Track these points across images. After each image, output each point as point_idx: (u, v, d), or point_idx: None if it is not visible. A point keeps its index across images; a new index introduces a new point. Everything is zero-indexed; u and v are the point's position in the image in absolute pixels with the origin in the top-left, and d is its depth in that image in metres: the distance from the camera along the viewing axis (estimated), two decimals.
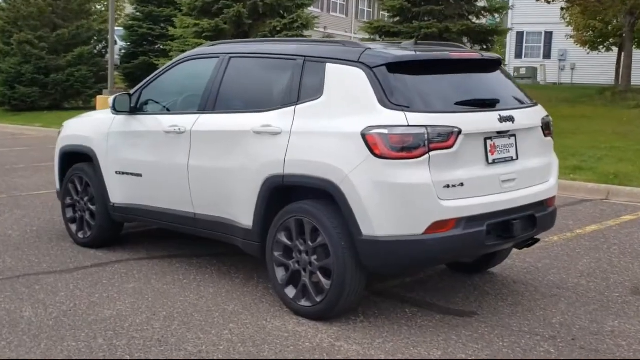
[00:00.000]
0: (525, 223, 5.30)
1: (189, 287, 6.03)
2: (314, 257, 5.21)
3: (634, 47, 27.11)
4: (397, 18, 22.08)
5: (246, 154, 5.57)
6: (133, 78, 28.02)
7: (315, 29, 19.45)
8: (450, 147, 4.86)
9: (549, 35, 41.04)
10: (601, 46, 32.87)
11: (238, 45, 6.25)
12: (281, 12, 19.49)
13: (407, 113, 4.84)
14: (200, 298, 5.76)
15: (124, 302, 5.65)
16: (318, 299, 5.18)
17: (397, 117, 4.83)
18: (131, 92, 6.72)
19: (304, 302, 5.28)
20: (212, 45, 6.60)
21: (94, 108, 23.28)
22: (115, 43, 28.12)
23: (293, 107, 5.39)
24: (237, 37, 18.28)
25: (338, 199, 4.97)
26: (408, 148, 4.80)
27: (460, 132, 4.88)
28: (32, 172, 12.42)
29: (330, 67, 5.28)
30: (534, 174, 5.46)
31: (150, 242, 7.44)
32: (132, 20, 28.28)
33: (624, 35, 25.44)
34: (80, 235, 7.28)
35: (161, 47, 27.51)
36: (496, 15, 23.15)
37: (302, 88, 5.41)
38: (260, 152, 5.48)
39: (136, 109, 6.67)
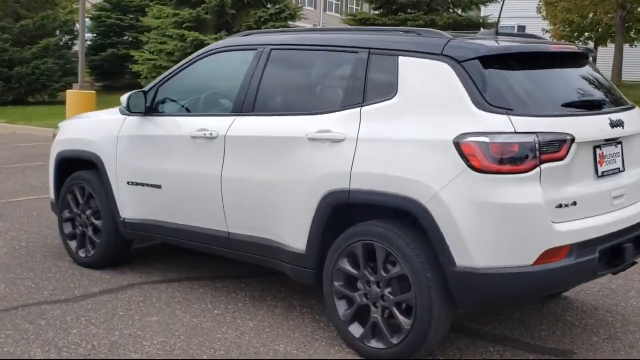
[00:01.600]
0: (636, 246, 4.48)
1: (223, 320, 5.11)
2: (388, 290, 4.33)
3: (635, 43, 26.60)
4: (382, 10, 21.22)
5: (298, 165, 4.67)
6: (101, 71, 26.85)
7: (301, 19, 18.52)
8: (563, 158, 4.02)
9: (521, 30, 40.55)
10: (577, 41, 32.46)
11: (280, 36, 5.32)
12: (264, 2, 18.51)
13: (511, 117, 3.97)
14: (242, 335, 4.86)
15: (151, 341, 4.73)
16: (394, 341, 4.31)
17: (500, 122, 3.97)
18: (146, 89, 5.73)
19: (374, 344, 4.42)
20: (246, 35, 5.66)
21: (61, 103, 22.11)
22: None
23: (358, 109, 4.49)
24: (220, 27, 17.25)
25: (424, 221, 4.09)
26: (515, 160, 3.94)
27: (573, 140, 4.04)
28: (6, 175, 11.32)
29: (405, 62, 4.40)
30: (638, 187, 4.64)
31: (160, 261, 6.50)
32: (99, 10, 27.00)
33: (615, 29, 24.92)
34: (81, 254, 6.29)
35: (130, 38, 26.36)
36: (482, 7, 22.34)
37: (369, 86, 4.52)
38: (317, 163, 4.58)
39: (151, 110, 5.69)
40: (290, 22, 17.86)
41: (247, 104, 5.10)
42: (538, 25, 34.22)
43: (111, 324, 5.02)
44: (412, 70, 4.37)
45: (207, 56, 5.57)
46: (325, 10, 46.10)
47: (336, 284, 4.57)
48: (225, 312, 5.27)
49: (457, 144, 4.01)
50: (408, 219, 4.26)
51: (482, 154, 3.94)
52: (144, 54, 18.94)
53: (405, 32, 4.79)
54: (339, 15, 46.51)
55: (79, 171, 6.32)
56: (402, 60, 4.42)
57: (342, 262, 4.52)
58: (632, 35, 28.32)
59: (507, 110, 4.02)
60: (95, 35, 27.04)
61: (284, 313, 5.27)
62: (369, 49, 4.61)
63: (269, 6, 18.17)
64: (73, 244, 6.40)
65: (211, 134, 5.16)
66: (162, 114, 5.71)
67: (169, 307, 5.36)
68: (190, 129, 5.34)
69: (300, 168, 4.67)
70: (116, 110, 6.14)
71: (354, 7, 49.72)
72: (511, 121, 3.97)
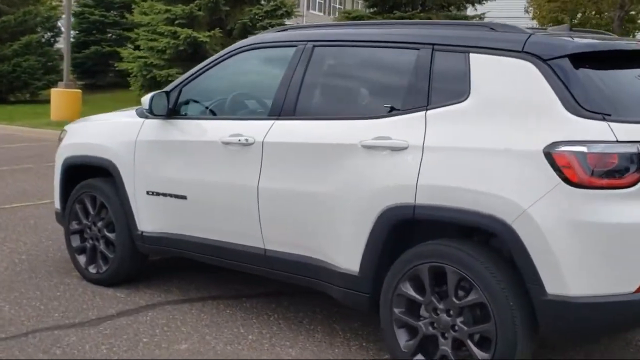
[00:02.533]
0: None
1: (260, 348, 4.58)
2: (460, 320, 3.82)
3: None
4: (376, 8, 20.71)
5: (350, 176, 4.15)
6: (83, 69, 26.12)
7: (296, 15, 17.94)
8: None
9: None
10: None
11: (323, 31, 4.78)
12: None
13: (610, 123, 3.46)
14: None
15: None
16: None
17: (598, 129, 3.48)
18: (167, 89, 5.17)
19: None
20: (282, 30, 5.10)
21: (43, 101, 21.39)
22: (62, 33, 26.25)
23: (422, 113, 3.97)
24: (213, 23, 16.64)
25: (509, 242, 3.59)
26: (615, 173, 3.44)
27: None
28: None
29: (478, 59, 3.89)
30: None
31: (176, 276, 5.95)
32: (82, 6, 26.23)
33: (612, 29, 24.63)
34: (92, 269, 5.72)
35: (114, 35, 25.67)
36: (476, 6, 21.92)
37: (433, 87, 4.00)
38: (373, 174, 4.06)
39: (174, 112, 5.13)
40: (287, 20, 17.29)
41: (287, 107, 4.55)
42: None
43: (135, 352, 4.48)
44: (487, 69, 3.85)
45: (237, 53, 5.02)
46: (308, 8, 45.51)
47: (396, 310, 4.04)
48: (260, 338, 4.73)
49: (549, 154, 3.50)
50: (486, 238, 3.74)
51: (578, 166, 3.44)
52: (133, 51, 18.28)
53: (470, 25, 4.26)
54: (321, 14, 45.94)
55: (89, 179, 5.73)
56: (474, 57, 3.91)
57: (403, 285, 4.00)
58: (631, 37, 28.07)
59: (605, 116, 3.52)
60: (77, 32, 26.27)
61: (326, 339, 4.74)
62: (432, 44, 4.10)
63: (263, 2, 17.60)
64: (82, 259, 5.83)
65: (246, 139, 4.61)
66: (186, 117, 5.16)
67: (196, 331, 4.80)
68: (221, 134, 4.79)
69: (353, 179, 4.15)
70: (131, 112, 5.57)
71: (337, 5, 49.17)
72: (611, 128, 3.46)
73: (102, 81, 25.59)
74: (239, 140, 4.65)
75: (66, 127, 6.09)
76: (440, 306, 3.88)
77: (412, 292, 3.99)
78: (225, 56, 5.05)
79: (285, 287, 5.32)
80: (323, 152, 4.29)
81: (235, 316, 5.11)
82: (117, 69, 21.19)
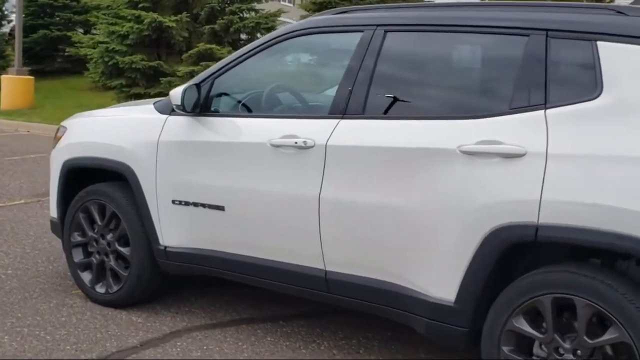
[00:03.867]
0: None
1: None
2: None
3: None
4: None
5: (445, 187, 3.46)
6: (30, 54, 24.69)
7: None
8: None
9: None
10: None
11: (396, 13, 4.05)
12: None
13: None
14: None
15: None
16: None
17: None
18: (196, 81, 4.39)
19: None
20: (341, 12, 4.34)
21: None
22: (8, 16, 24.86)
23: (541, 113, 3.30)
24: (178, 7, 15.69)
25: None
26: None
27: None
28: None
29: (609, 49, 3.24)
30: None
31: (195, 294, 5.24)
32: None
33: None
34: (99, 289, 4.92)
35: (63, 19, 24.33)
36: None
37: (551, 81, 3.35)
38: (478, 186, 3.38)
39: (204, 108, 4.35)
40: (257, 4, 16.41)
41: (354, 104, 3.83)
42: None
43: None
44: (623, 61, 3.19)
45: (286, 39, 4.26)
46: None
47: (505, 348, 3.38)
48: None
49: None
50: (607, 261, 3.11)
51: None
52: (93, 37, 17.18)
53: (591, 8, 3.59)
54: (286, 3, 44.77)
55: (96, 184, 4.90)
56: (604, 46, 3.25)
57: (516, 320, 3.32)
58: None
59: None
60: (24, 15, 24.80)
61: None
62: (546, 30, 3.42)
63: None
64: (86, 276, 5.02)
65: (305, 142, 3.87)
66: (222, 114, 4.39)
67: None
68: (269, 135, 4.04)
69: (449, 192, 3.46)
70: (148, 106, 4.77)
71: None
72: None
73: (51, 67, 24.21)
74: (296, 142, 3.91)
75: (64, 123, 5.25)
76: (567, 345, 3.21)
77: (527, 328, 3.33)
78: (271, 42, 4.29)
79: (320, 305, 4.59)
80: (407, 158, 3.59)
81: (279, 345, 4.41)
82: (67, 54, 20.02)
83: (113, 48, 14.92)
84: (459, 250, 3.44)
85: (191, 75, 14.27)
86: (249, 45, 4.44)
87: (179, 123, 4.44)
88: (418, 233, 3.57)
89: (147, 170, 4.54)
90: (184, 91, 4.23)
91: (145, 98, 15.22)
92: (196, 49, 14.56)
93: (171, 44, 15.34)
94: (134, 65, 14.75)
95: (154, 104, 4.80)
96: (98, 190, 4.87)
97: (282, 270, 4.12)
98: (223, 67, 4.42)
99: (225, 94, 4.44)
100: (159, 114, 4.58)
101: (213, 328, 4.64)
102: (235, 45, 15.08)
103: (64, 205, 5.12)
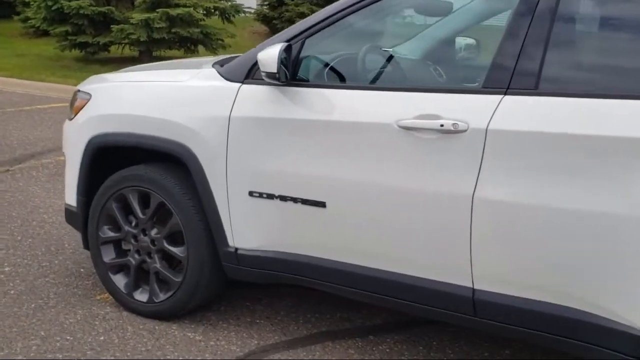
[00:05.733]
0: None
1: None
2: None
3: None
4: None
5: None
6: None
7: None
8: None
9: None
10: None
11: None
12: None
13: None
14: None
15: None
16: None
17: None
18: (286, 39, 3.42)
19: None
20: None
21: None
22: None
23: None
24: None
25: None
26: None
27: None
28: None
29: None
30: None
31: (248, 299, 4.32)
32: None
33: None
34: (139, 296, 3.96)
35: None
36: None
37: None
38: None
39: (294, 75, 3.40)
40: None
41: (521, 74, 2.95)
42: None
43: None
44: None
45: None
46: None
47: None
48: None
49: None
50: None
51: None
52: None
53: None
54: None
55: (135, 166, 3.90)
56: None
57: None
58: None
59: None
60: None
61: None
62: None
63: None
64: (119, 280, 4.05)
65: (454, 124, 2.98)
66: (322, 85, 3.44)
67: None
68: (397, 114, 3.14)
69: None
70: (208, 70, 3.79)
71: None
72: None
73: None
74: (442, 125, 3.00)
75: (86, 88, 4.19)
76: None
77: None
78: None
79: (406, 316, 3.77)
80: (621, 150, 2.73)
81: None
82: None
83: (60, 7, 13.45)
84: None
85: (147, 23, 13.00)
86: None
87: (260, 94, 3.48)
88: (625, 249, 2.75)
89: (214, 153, 3.57)
90: (281, 53, 3.25)
91: (93, 47, 13.85)
92: None
93: None
94: (81, 11, 13.34)
95: (213, 65, 3.81)
96: (140, 175, 3.87)
97: (408, 286, 3.26)
98: (319, 22, 3.46)
99: (325, 59, 3.48)
100: (226, 81, 3.60)
101: (293, 347, 3.77)
102: None
103: (88, 191, 4.09)
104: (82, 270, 4.61)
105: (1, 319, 3.91)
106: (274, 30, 17.87)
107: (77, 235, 5.01)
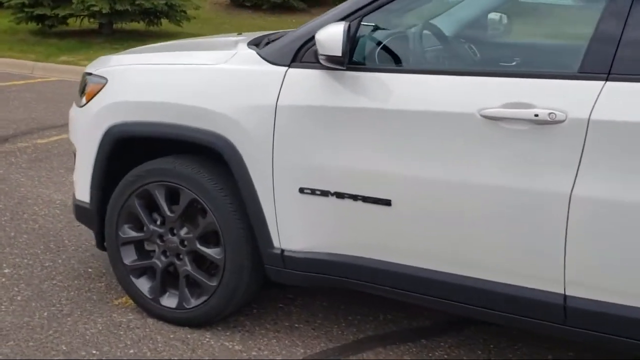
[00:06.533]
0: None
1: None
2: None
3: None
4: None
5: None
6: None
7: None
8: None
9: None
10: None
11: None
12: None
13: None
14: None
15: None
16: None
17: None
18: (342, 16, 3.06)
19: None
20: None
21: None
22: None
23: None
24: None
25: None
26: None
27: None
28: None
29: None
30: None
31: (281, 300, 3.96)
32: None
33: None
34: (166, 302, 3.61)
35: None
36: None
37: None
38: None
39: (351, 59, 3.04)
40: None
41: (624, 59, 2.64)
42: None
43: None
44: None
45: None
46: None
47: None
48: None
49: None
50: None
51: None
52: None
53: None
54: None
55: (163, 159, 3.51)
56: None
57: None
58: None
59: None
60: None
61: None
62: None
63: None
64: (143, 284, 3.67)
65: (550, 114, 2.66)
66: (385, 69, 3.09)
67: None
68: (480, 102, 2.83)
69: None
70: (248, 52, 3.41)
71: None
72: None
73: None
74: (536, 115, 2.69)
75: (100, 72, 3.76)
76: None
77: None
78: None
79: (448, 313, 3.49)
80: None
81: None
82: None
83: None
84: None
85: None
86: None
87: (313, 80, 3.12)
88: None
89: (258, 146, 3.21)
90: (346, 33, 2.89)
91: (51, 20, 13.17)
92: None
93: None
94: None
95: (248, 45, 3.43)
96: (168, 170, 3.48)
97: (488, 292, 2.96)
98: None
99: (388, 40, 3.13)
100: (269, 64, 3.22)
101: (344, 354, 3.44)
102: None
103: (104, 187, 3.68)
104: (90, 270, 4.22)
105: (14, 331, 3.50)
106: (234, 2, 17.35)
107: (76, 230, 4.63)
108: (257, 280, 3.49)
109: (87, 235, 4.63)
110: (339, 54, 2.90)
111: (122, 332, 3.54)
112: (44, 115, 8.21)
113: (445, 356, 3.45)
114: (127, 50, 4.25)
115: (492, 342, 3.57)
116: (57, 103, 8.94)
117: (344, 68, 2.97)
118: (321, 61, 3.00)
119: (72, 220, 4.86)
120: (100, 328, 3.57)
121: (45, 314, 3.70)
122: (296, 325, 3.69)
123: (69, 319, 3.65)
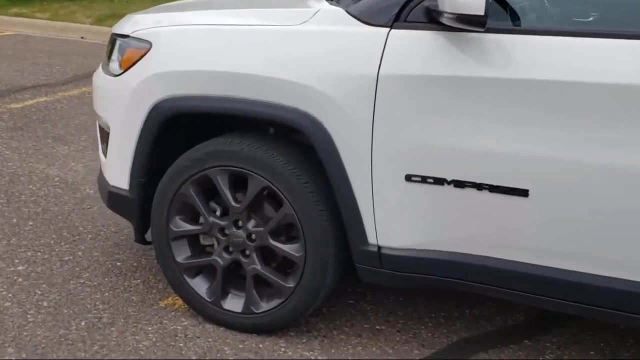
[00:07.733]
0: None
1: None
2: None
3: None
4: None
5: None
6: None
7: None
8: None
9: None
10: None
11: None
12: None
13: None
14: None
15: None
16: None
17: None
18: None
19: None
20: None
21: None
22: None
23: None
24: None
25: None
26: None
27: None
28: None
29: None
30: None
31: (359, 297, 3.48)
32: None
33: None
34: (230, 305, 3.11)
35: None
36: None
37: None
38: None
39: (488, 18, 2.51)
40: None
41: None
42: None
43: None
44: None
45: None
46: None
47: None
48: None
49: None
50: None
51: None
52: None
53: None
54: None
55: (226, 138, 2.95)
56: None
57: None
58: None
59: None
60: None
61: None
62: None
63: None
64: (200, 285, 3.13)
65: None
66: (524, 30, 2.60)
67: None
68: None
69: None
70: (333, 9, 2.85)
71: None
72: None
73: None
74: None
75: (140, 34, 3.14)
76: None
77: None
78: None
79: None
80: None
81: None
82: None
83: None
84: None
85: None
86: None
87: (426, 43, 2.59)
88: None
89: (352, 124, 2.67)
90: None
91: None
92: None
93: None
94: None
95: (331, 2, 2.87)
96: (234, 152, 2.92)
97: None
98: None
99: None
100: (364, 24, 2.67)
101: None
102: None
103: (150, 172, 3.09)
104: (119, 264, 3.66)
105: (51, 348, 2.93)
106: None
107: (88, 214, 4.09)
108: (338, 280, 2.98)
109: (102, 220, 4.07)
110: (481, 12, 2.36)
111: (181, 344, 3.00)
112: (10, 75, 7.46)
113: (556, 354, 3.01)
114: (159, 6, 3.61)
115: (602, 341, 3.15)
116: (20, 60, 8.18)
117: (483, 30, 2.42)
118: (444, 21, 2.46)
119: (78, 202, 4.30)
120: (154, 340, 3.03)
121: (83, 323, 3.13)
122: (377, 327, 3.21)
123: (112, 328, 3.09)
